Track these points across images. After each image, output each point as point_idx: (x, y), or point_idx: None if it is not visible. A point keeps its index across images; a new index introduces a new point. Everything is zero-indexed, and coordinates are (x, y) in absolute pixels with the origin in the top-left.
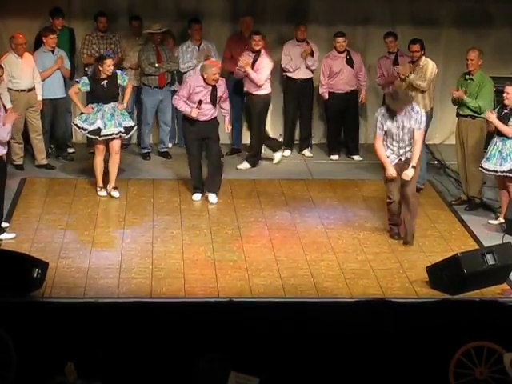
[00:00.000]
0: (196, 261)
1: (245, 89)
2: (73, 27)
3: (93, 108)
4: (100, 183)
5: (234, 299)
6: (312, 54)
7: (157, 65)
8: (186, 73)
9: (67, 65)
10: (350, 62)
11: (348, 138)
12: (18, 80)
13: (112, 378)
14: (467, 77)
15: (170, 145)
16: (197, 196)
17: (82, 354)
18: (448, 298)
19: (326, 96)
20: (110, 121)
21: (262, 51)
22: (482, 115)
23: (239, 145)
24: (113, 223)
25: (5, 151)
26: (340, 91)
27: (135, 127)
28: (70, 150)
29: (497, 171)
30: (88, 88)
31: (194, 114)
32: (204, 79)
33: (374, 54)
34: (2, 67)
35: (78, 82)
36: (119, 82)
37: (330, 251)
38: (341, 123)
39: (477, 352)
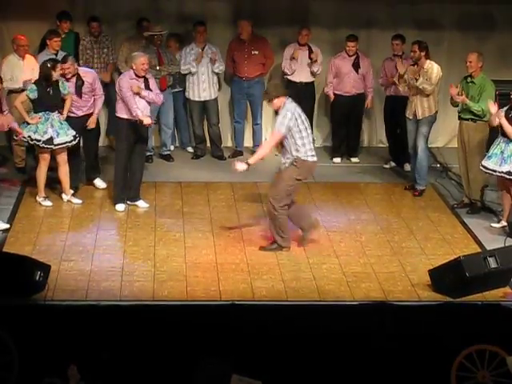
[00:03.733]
0: (198, 264)
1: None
2: (77, 31)
3: (40, 118)
4: (43, 193)
5: (236, 302)
6: (316, 59)
7: (158, 67)
8: (186, 75)
9: None
10: (356, 66)
11: (349, 141)
12: (18, 81)
13: (114, 381)
14: (469, 79)
15: (171, 147)
16: (121, 206)
17: (84, 357)
18: (450, 301)
19: (332, 95)
20: (61, 129)
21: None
22: (485, 118)
23: (241, 147)
24: (115, 226)
25: None
26: (347, 94)
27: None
28: None
29: (495, 171)
30: (36, 94)
31: (147, 121)
32: (134, 71)
33: (377, 58)
34: None
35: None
36: (61, 89)
37: (332, 254)
38: (345, 125)
39: (479, 355)
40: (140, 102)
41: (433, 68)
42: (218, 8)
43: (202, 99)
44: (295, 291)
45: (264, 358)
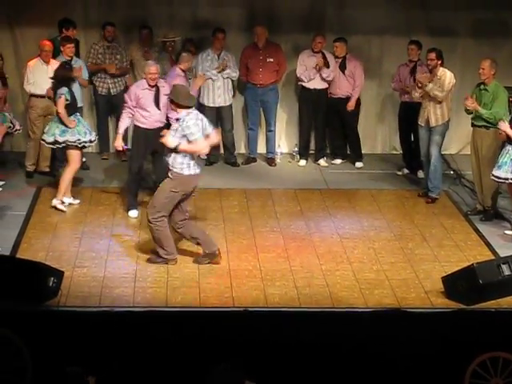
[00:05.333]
0: (211, 270)
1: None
2: (82, 38)
3: (74, 120)
4: (63, 195)
5: (249, 309)
6: (327, 65)
7: None
8: None
9: (85, 75)
10: (342, 68)
11: (349, 146)
12: (40, 86)
13: None
14: (482, 87)
15: None
16: (134, 213)
17: (96, 363)
18: (463, 308)
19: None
20: (86, 127)
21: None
22: (498, 126)
23: (255, 153)
24: (128, 232)
25: None
26: (333, 95)
27: None
28: (83, 159)
29: (507, 179)
30: (69, 97)
31: (118, 147)
32: (146, 80)
33: (390, 64)
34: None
35: (61, 96)
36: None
37: (346, 261)
38: (340, 129)
39: (492, 363)
40: (155, 111)
41: (446, 75)
42: (232, 14)
43: (217, 105)
44: (308, 298)
45: (276, 365)
